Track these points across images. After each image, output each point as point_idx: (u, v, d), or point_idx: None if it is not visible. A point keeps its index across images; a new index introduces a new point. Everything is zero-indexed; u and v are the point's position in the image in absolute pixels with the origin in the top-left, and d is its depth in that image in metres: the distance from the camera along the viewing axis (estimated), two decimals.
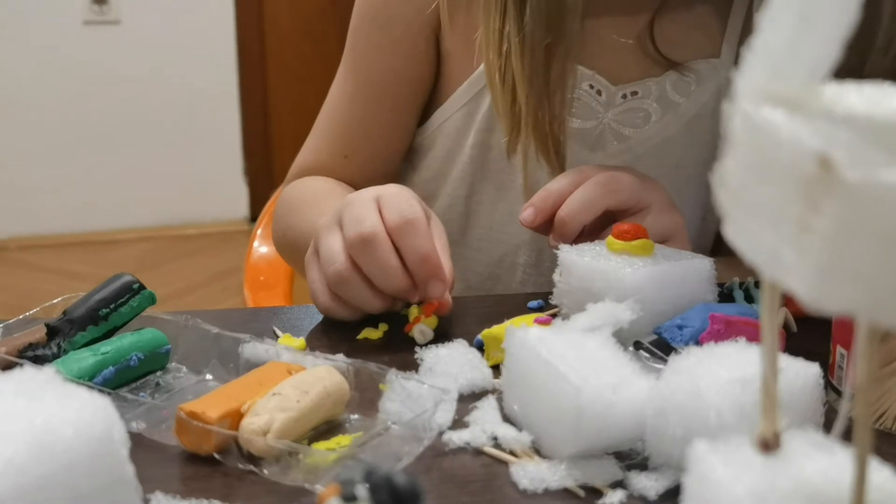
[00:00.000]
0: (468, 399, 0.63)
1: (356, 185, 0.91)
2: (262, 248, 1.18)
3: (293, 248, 0.91)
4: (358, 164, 0.95)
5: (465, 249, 0.93)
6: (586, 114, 0.88)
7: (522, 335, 0.59)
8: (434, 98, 0.94)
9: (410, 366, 0.66)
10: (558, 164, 0.85)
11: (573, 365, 0.55)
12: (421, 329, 0.71)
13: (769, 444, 0.36)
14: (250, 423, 0.55)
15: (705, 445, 0.37)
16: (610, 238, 0.70)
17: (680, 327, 0.65)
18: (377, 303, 0.72)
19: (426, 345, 0.69)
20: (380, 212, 0.71)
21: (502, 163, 0.90)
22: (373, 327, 0.74)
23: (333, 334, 0.73)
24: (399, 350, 0.71)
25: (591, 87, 0.88)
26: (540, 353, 0.57)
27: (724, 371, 0.53)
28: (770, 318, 0.36)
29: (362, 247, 0.70)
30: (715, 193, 0.33)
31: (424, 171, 0.96)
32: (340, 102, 0.94)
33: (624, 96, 0.88)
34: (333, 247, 0.71)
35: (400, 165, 0.97)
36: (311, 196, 0.92)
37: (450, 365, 0.65)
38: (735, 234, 0.34)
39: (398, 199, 0.72)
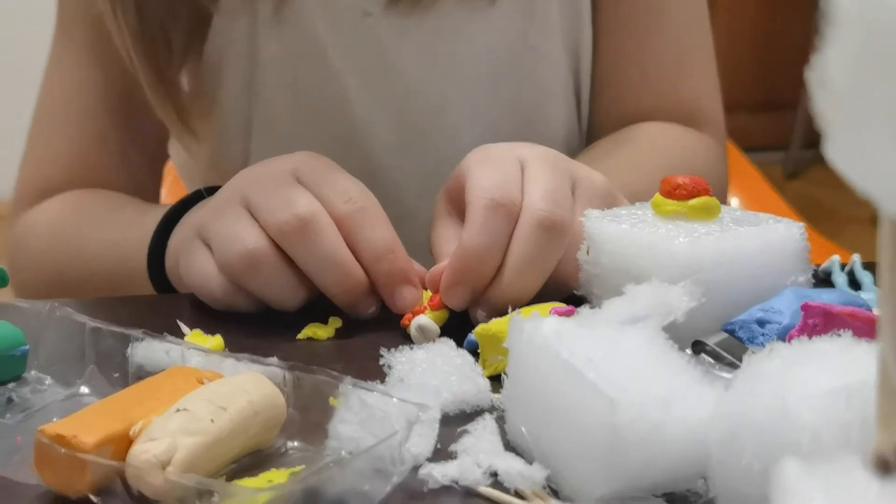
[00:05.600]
0: (456, 420, 0.62)
1: (126, 181, 0.99)
2: None
3: (86, 280, 0.93)
4: (119, 144, 0.99)
5: None
6: None
7: (533, 329, 0.59)
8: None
9: (373, 374, 0.66)
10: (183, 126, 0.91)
11: (606, 370, 0.55)
12: (420, 325, 0.71)
13: (890, 464, 0.36)
14: (143, 452, 0.55)
15: (796, 467, 0.37)
16: (657, 197, 0.70)
17: (761, 322, 0.65)
18: (301, 293, 0.74)
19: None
20: None
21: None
22: (320, 323, 0.74)
23: (263, 332, 0.74)
24: (357, 354, 0.71)
25: None
26: (559, 354, 0.56)
27: (822, 377, 0.53)
28: (892, 283, 0.36)
29: (299, 233, 0.71)
30: (812, 92, 0.33)
31: (225, 134, 0.98)
32: (65, 76, 0.99)
33: None
34: (238, 225, 0.73)
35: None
36: (95, 210, 0.96)
37: (430, 374, 0.65)
38: (842, 155, 0.33)
39: (331, 173, 0.74)
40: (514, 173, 0.72)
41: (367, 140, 0.96)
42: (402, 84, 0.95)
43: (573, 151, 1.01)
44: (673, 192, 0.69)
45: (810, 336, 0.62)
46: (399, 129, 0.97)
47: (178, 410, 0.57)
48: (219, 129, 0.99)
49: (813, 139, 3.07)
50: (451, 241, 0.74)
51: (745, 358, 0.56)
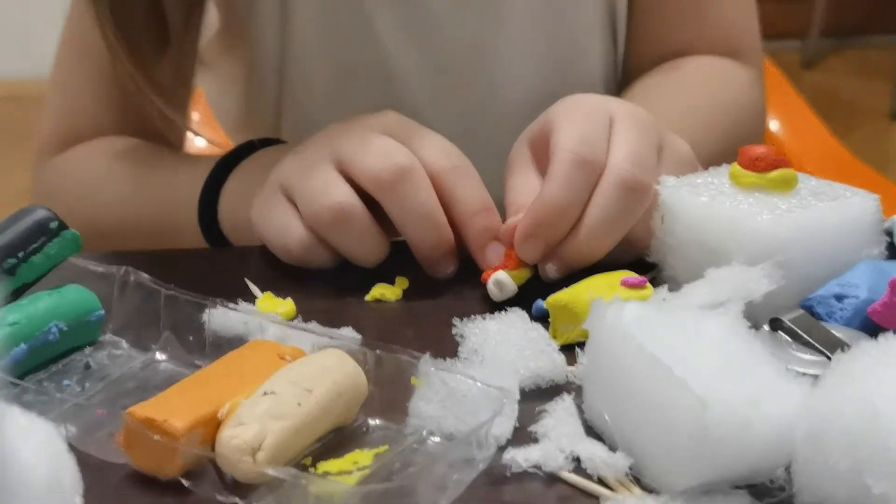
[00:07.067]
0: (532, 397, 0.63)
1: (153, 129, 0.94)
2: None
3: (125, 229, 0.92)
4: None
5: None
6: None
7: (615, 316, 0.59)
8: None
9: (446, 344, 0.66)
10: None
11: (692, 364, 0.55)
12: (498, 280, 0.72)
13: None
14: (233, 437, 0.55)
15: None
16: (735, 167, 0.70)
17: (839, 297, 0.65)
18: (383, 250, 0.75)
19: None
20: None
21: None
22: (387, 283, 0.74)
23: (331, 293, 0.74)
24: (427, 319, 0.71)
25: None
26: (643, 347, 0.57)
27: None
28: None
29: (397, 182, 0.71)
30: None
31: (257, 75, 0.96)
32: (87, 25, 0.93)
33: None
34: (328, 179, 0.73)
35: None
36: (132, 158, 0.93)
37: (503, 346, 0.66)
38: None
39: (424, 130, 0.74)
40: (601, 128, 0.72)
41: (402, 83, 0.95)
42: (438, 26, 0.94)
43: (611, 92, 1.00)
44: (752, 163, 0.68)
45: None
46: (435, 73, 0.96)
47: (265, 394, 0.57)
48: (250, 69, 0.98)
49: (832, 28, 3.00)
50: (527, 193, 0.74)
51: (836, 352, 0.57)
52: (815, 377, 0.56)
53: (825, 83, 3.58)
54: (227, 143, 1.07)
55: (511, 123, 0.92)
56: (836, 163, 1.50)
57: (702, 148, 0.79)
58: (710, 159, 0.77)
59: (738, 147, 0.79)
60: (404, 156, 0.72)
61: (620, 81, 1.02)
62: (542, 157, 0.75)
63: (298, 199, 0.74)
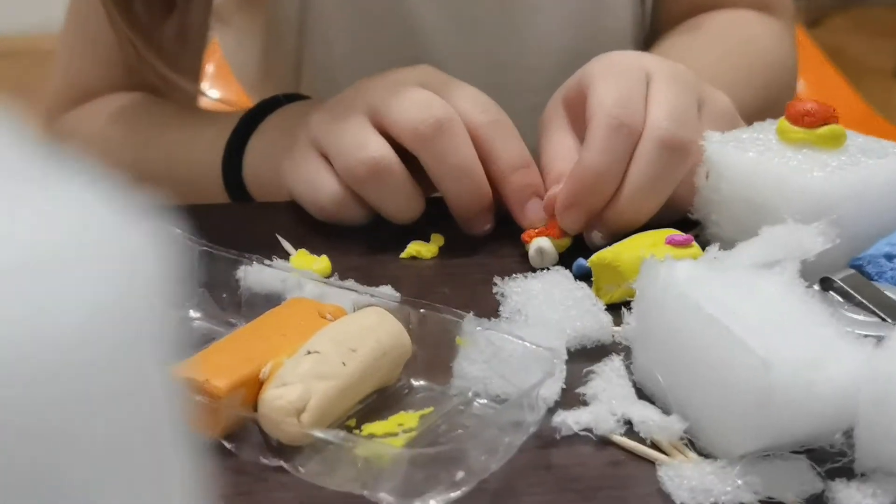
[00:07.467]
0: (578, 357, 0.62)
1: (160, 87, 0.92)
2: None
3: (147, 183, 0.88)
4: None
5: None
6: None
7: (667, 275, 0.58)
8: None
9: (485, 303, 0.65)
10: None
11: (751, 324, 0.54)
12: (541, 247, 0.70)
13: None
14: (276, 398, 0.54)
15: None
16: (782, 122, 0.68)
17: (889, 256, 0.64)
18: (419, 207, 0.73)
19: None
20: None
21: None
22: (422, 240, 0.72)
23: (365, 250, 0.73)
24: (465, 278, 0.70)
25: None
26: (700, 306, 0.55)
27: None
28: None
29: (435, 136, 0.70)
30: None
31: (275, 32, 0.94)
32: None
33: None
34: (363, 133, 0.71)
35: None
36: (151, 113, 0.92)
37: (547, 306, 0.64)
38: None
39: (460, 83, 0.73)
40: (638, 88, 0.70)
41: (426, 40, 0.93)
42: None
43: (639, 47, 0.98)
44: (801, 118, 0.67)
45: None
46: (460, 28, 0.94)
47: (308, 353, 0.56)
48: (268, 25, 0.96)
49: None
50: (563, 156, 0.72)
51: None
52: (876, 338, 0.55)
53: (829, 42, 3.54)
54: (242, 99, 1.04)
55: (538, 80, 0.90)
56: (861, 120, 1.48)
57: (737, 102, 0.77)
58: (745, 113, 0.76)
59: (771, 101, 0.77)
60: (442, 108, 0.70)
61: (648, 36, 1.00)
62: (576, 117, 0.73)
63: (332, 154, 0.72)
